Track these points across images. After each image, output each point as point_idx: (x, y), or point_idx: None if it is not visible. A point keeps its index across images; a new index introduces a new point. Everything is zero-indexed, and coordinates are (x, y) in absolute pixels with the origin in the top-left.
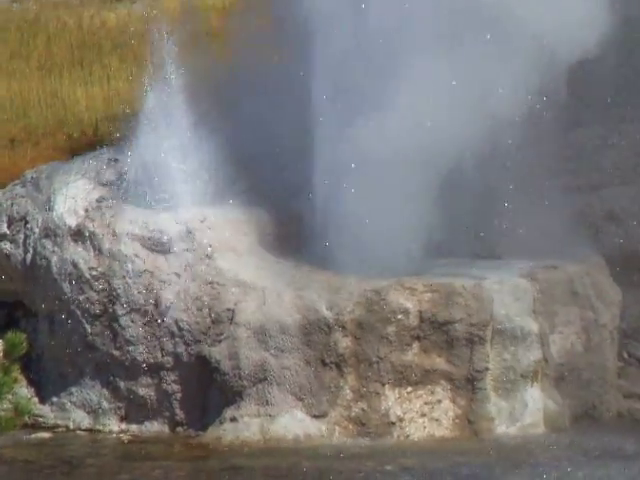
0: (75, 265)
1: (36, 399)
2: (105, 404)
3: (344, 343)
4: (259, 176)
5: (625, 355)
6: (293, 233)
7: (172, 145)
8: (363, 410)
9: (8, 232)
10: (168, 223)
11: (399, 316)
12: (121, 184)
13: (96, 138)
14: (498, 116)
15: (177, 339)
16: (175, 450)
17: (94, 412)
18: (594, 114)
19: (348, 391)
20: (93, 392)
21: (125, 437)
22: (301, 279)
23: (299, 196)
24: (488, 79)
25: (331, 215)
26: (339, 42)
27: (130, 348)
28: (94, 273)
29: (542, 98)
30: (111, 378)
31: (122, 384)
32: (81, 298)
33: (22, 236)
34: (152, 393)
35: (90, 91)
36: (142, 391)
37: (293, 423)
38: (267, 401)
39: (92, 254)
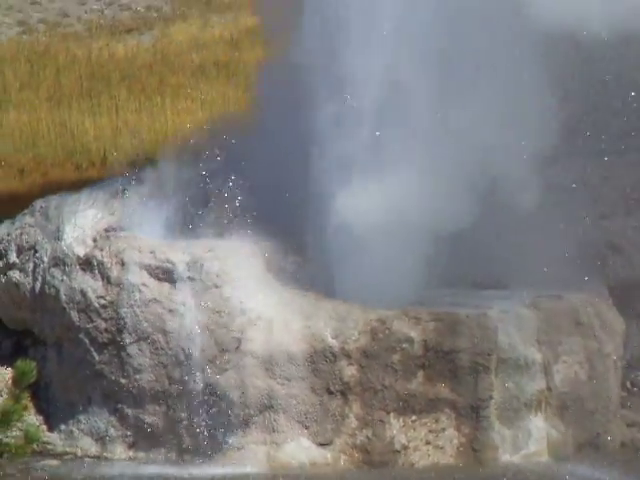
0: (83, 294)
1: (44, 427)
2: (113, 431)
3: (349, 372)
4: (266, 206)
5: (628, 385)
6: (300, 262)
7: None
8: (368, 438)
9: (17, 261)
10: (176, 252)
11: (404, 345)
12: (130, 214)
13: (104, 168)
14: (503, 146)
15: (184, 367)
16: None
17: (102, 439)
18: (599, 144)
19: (353, 419)
20: (101, 420)
21: (132, 464)
22: (307, 308)
23: (305, 226)
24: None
25: (337, 245)
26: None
27: (137, 376)
28: (102, 302)
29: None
30: (119, 406)
31: (129, 412)
32: (89, 326)
33: (31, 265)
34: (159, 421)
35: (98, 121)
36: (149, 419)
37: (299, 451)
38: (273, 429)
39: (100, 283)
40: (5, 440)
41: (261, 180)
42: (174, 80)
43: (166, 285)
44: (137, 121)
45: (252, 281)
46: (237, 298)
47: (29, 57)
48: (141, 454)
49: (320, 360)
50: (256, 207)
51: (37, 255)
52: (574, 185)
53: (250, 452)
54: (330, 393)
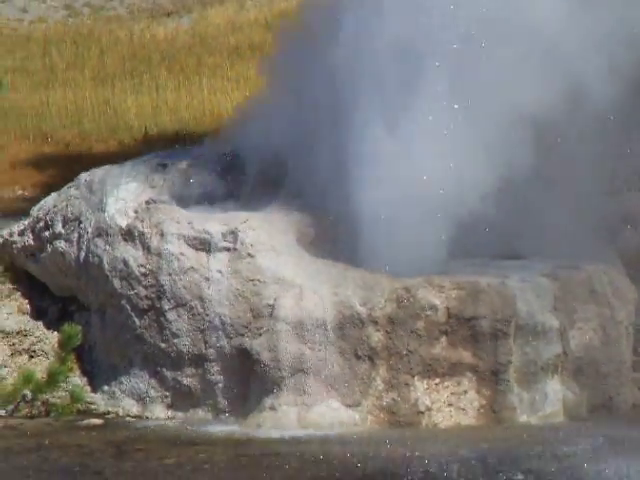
0: (125, 263)
1: (88, 388)
2: (152, 392)
3: (376, 337)
4: (298, 179)
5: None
6: (329, 233)
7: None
8: (394, 400)
9: (63, 231)
10: (212, 223)
11: (428, 312)
12: (169, 187)
13: (146, 143)
14: (530, 117)
15: (220, 332)
16: (216, 442)
17: (142, 400)
18: (614, 123)
19: (380, 382)
20: (141, 381)
21: (169, 426)
22: (336, 277)
23: (335, 198)
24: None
25: (365, 217)
26: None
27: (176, 341)
28: (142, 270)
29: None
30: (158, 369)
31: (168, 374)
32: (130, 293)
33: (76, 235)
34: (196, 383)
35: (140, 100)
36: (187, 381)
37: (328, 412)
38: (304, 391)
39: (141, 253)
40: (52, 400)
41: (290, 148)
42: (211, 61)
43: (203, 254)
44: (176, 99)
45: (284, 251)
46: (269, 267)
47: (74, 39)
48: (179, 414)
49: (348, 326)
50: (287, 178)
51: (81, 226)
52: (590, 160)
53: (282, 413)
54: (358, 357)
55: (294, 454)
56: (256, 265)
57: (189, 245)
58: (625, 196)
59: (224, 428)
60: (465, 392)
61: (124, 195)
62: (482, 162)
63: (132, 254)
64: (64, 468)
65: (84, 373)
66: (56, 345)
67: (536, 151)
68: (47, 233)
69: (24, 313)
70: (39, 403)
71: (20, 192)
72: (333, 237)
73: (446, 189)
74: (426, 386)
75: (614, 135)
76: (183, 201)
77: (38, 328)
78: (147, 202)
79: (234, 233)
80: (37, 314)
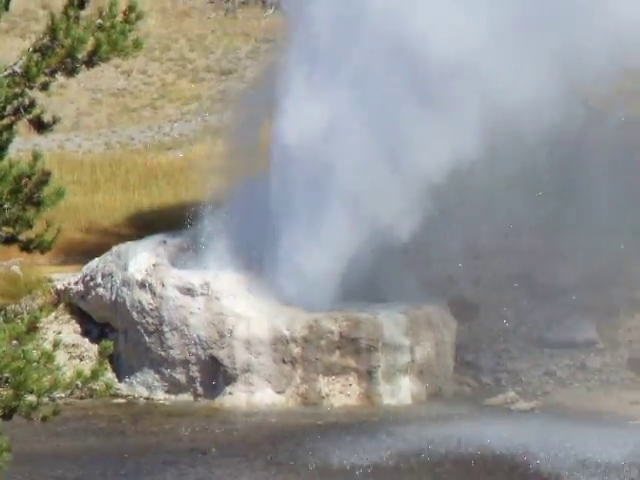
0: (140, 302)
1: (116, 380)
2: (156, 383)
3: (295, 350)
4: (247, 253)
5: (458, 359)
6: (267, 284)
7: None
8: (306, 389)
9: (101, 282)
10: (194, 278)
11: (328, 335)
12: (167, 256)
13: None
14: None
15: (198, 346)
16: (194, 412)
17: (149, 388)
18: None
19: (297, 378)
20: (149, 376)
21: (166, 404)
22: (271, 312)
23: (270, 265)
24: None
25: (286, 269)
26: None
27: (171, 351)
28: (150, 307)
29: None
30: (159, 368)
31: (166, 372)
32: (143, 321)
33: (109, 285)
34: (183, 377)
35: (151, 201)
36: (177, 376)
37: (265, 396)
38: (250, 383)
39: (150, 296)
40: (94, 387)
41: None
42: (195, 177)
43: (188, 297)
44: (173, 200)
45: (238, 295)
46: (229, 306)
47: (110, 163)
48: (172, 397)
49: (278, 343)
50: (238, 248)
51: (113, 279)
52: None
53: (236, 397)
54: (284, 362)
55: (243, 422)
56: (221, 305)
57: (180, 291)
58: (449, 264)
59: (200, 405)
60: (350, 385)
61: (139, 260)
62: (358, 243)
63: (144, 297)
64: (101, 429)
65: (114, 371)
66: (97, 353)
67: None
68: (92, 283)
69: (77, 333)
70: (85, 389)
71: (75, 257)
72: (269, 286)
73: (340, 262)
74: (326, 381)
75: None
76: (176, 264)
77: (85, 342)
78: (154, 265)
79: (207, 284)
80: (85, 334)
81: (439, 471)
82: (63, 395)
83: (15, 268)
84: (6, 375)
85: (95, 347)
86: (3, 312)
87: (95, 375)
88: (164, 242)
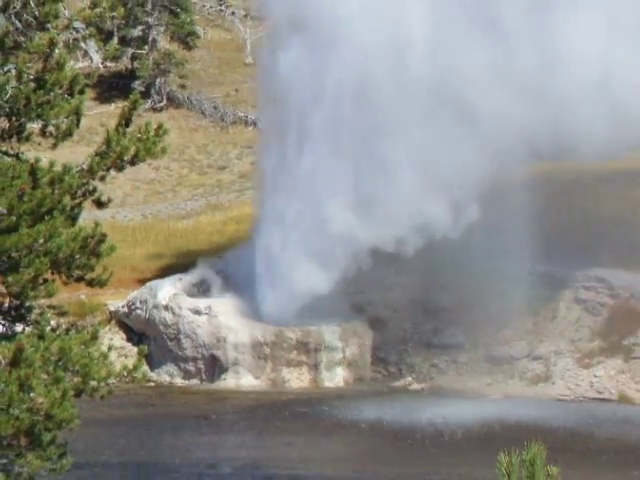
0: (165, 319)
1: (149, 371)
2: (175, 373)
3: (267, 350)
4: (238, 285)
5: (374, 356)
6: (250, 307)
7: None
8: (274, 376)
9: (139, 306)
10: (201, 303)
11: (288, 340)
12: (183, 288)
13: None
14: None
15: (203, 348)
16: (200, 392)
17: (171, 376)
18: None
19: (268, 369)
20: (171, 368)
21: (182, 386)
22: (252, 326)
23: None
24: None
25: (261, 301)
26: None
27: (186, 351)
28: (171, 322)
29: None
30: (178, 363)
31: (181, 365)
32: (167, 331)
33: (144, 308)
34: (193, 369)
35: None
36: (189, 368)
37: (247, 381)
38: (237, 372)
39: (171, 315)
40: (135, 375)
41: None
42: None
43: (197, 316)
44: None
45: (230, 314)
46: (224, 322)
47: (144, 227)
48: (186, 382)
49: (256, 346)
50: (230, 285)
51: (147, 304)
52: None
53: (228, 381)
54: (259, 358)
55: (234, 397)
56: (218, 321)
57: (191, 312)
58: (369, 293)
59: (204, 387)
60: (303, 373)
61: (164, 291)
62: (322, 283)
63: (167, 316)
64: (139, 402)
65: (148, 364)
66: (136, 353)
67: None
68: (133, 307)
69: (123, 339)
70: (129, 377)
71: (122, 290)
72: (250, 310)
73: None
74: (287, 371)
75: None
76: (190, 294)
77: (129, 346)
78: (174, 294)
79: (210, 307)
80: (128, 340)
81: (360, 428)
82: (114, 381)
83: (83, 297)
84: (77, 368)
85: (135, 349)
86: (74, 326)
87: (135, 368)
88: (180, 279)
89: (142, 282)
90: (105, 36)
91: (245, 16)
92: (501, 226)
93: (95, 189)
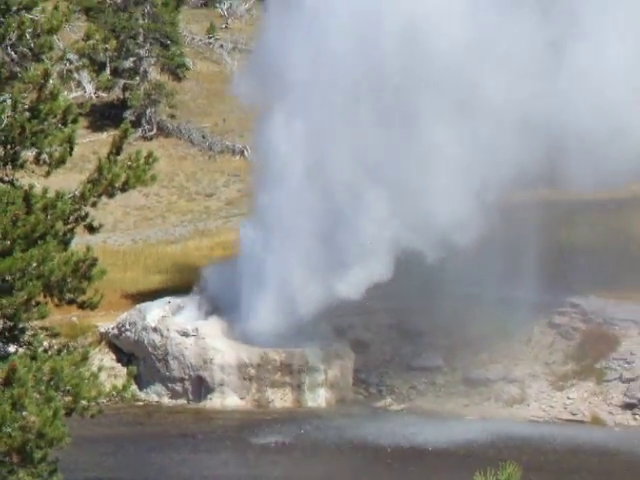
0: (153, 341)
1: (138, 390)
2: (163, 392)
3: (252, 371)
4: (226, 308)
5: (355, 378)
6: (236, 330)
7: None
8: (259, 397)
9: (129, 328)
10: (188, 325)
11: (272, 362)
12: (171, 311)
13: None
14: None
15: (190, 369)
16: (187, 411)
17: (159, 395)
18: None
19: (253, 389)
20: (159, 387)
21: (170, 405)
22: (238, 348)
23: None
24: None
25: (246, 324)
26: None
27: (173, 371)
28: (160, 344)
29: None
30: (166, 382)
31: (169, 385)
32: (155, 352)
33: (134, 330)
34: (180, 389)
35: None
36: (176, 387)
37: (232, 401)
38: (223, 393)
39: (160, 337)
40: (124, 395)
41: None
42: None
43: (184, 338)
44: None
45: (216, 337)
46: (211, 344)
47: (135, 252)
48: (173, 401)
49: (242, 367)
50: (216, 308)
51: (136, 326)
52: None
53: (214, 401)
54: (244, 379)
55: (219, 417)
56: (205, 342)
57: (179, 334)
58: (350, 317)
59: (191, 407)
60: (287, 394)
61: (153, 313)
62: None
63: (156, 338)
64: (128, 421)
65: (137, 384)
66: (126, 373)
67: None
68: (123, 328)
69: (113, 360)
70: (119, 397)
71: (112, 312)
72: (236, 332)
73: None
74: (272, 391)
75: None
76: (176, 316)
77: (118, 366)
78: (162, 317)
79: (197, 329)
80: (118, 361)
81: (341, 447)
82: (104, 400)
83: (74, 319)
84: (68, 388)
85: (125, 370)
86: (66, 347)
87: (125, 388)
88: (169, 302)
89: (132, 304)
90: (98, 67)
91: (233, 49)
92: (478, 251)
93: (87, 215)
